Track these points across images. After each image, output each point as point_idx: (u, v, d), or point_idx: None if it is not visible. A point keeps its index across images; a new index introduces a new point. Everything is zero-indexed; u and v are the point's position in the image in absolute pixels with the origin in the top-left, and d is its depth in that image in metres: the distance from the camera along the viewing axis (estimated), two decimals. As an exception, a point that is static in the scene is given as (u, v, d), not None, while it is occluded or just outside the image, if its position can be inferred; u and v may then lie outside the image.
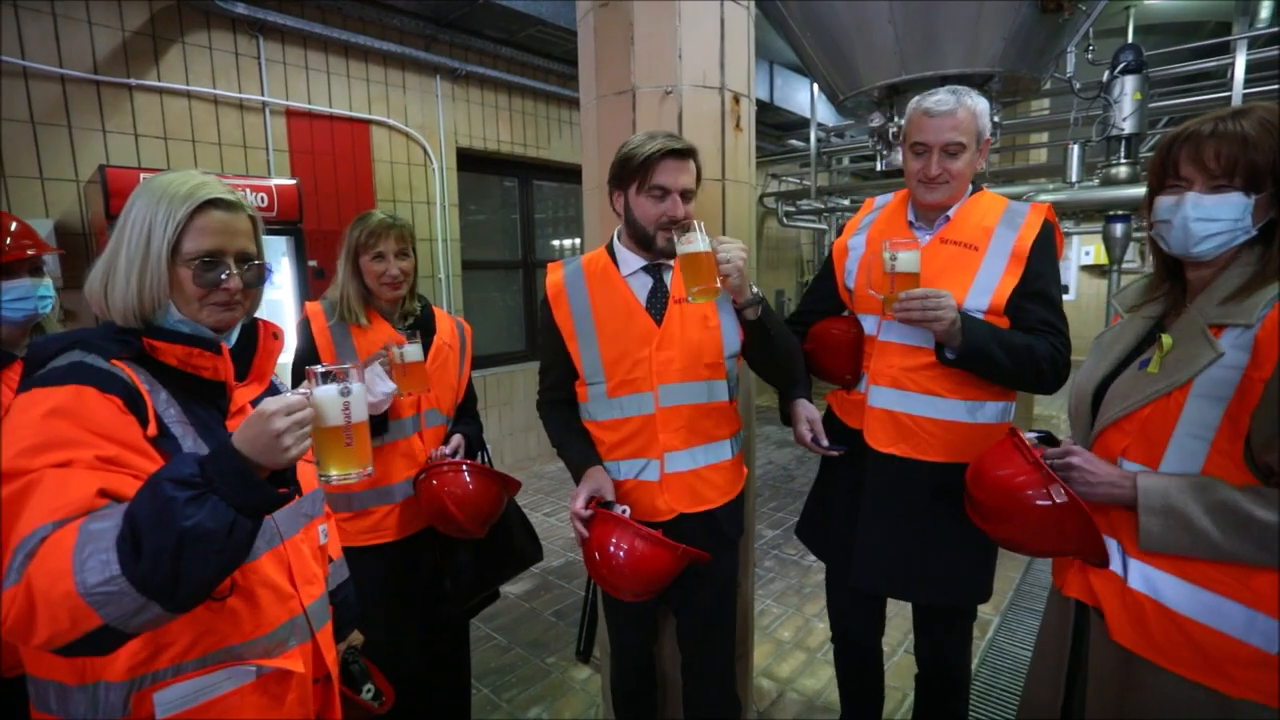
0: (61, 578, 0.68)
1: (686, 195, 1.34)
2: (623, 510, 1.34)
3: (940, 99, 1.41)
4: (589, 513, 1.33)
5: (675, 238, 1.25)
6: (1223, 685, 0.90)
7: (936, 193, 1.45)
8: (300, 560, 0.98)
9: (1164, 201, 1.00)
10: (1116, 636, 0.99)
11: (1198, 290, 1.02)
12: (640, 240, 1.39)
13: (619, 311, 1.41)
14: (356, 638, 1.27)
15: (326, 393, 0.81)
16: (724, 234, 1.74)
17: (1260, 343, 0.87)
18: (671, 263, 1.43)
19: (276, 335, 1.03)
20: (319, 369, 0.82)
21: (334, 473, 0.84)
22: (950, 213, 1.49)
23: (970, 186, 1.51)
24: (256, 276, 0.95)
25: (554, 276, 1.48)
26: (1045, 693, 1.14)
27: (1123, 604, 0.99)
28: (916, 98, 1.46)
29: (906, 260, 1.31)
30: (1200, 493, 0.90)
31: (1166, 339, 0.98)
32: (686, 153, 1.34)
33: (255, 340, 1.00)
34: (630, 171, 1.34)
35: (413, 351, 1.53)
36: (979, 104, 1.43)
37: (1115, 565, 1.01)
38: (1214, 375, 0.91)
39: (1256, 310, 0.90)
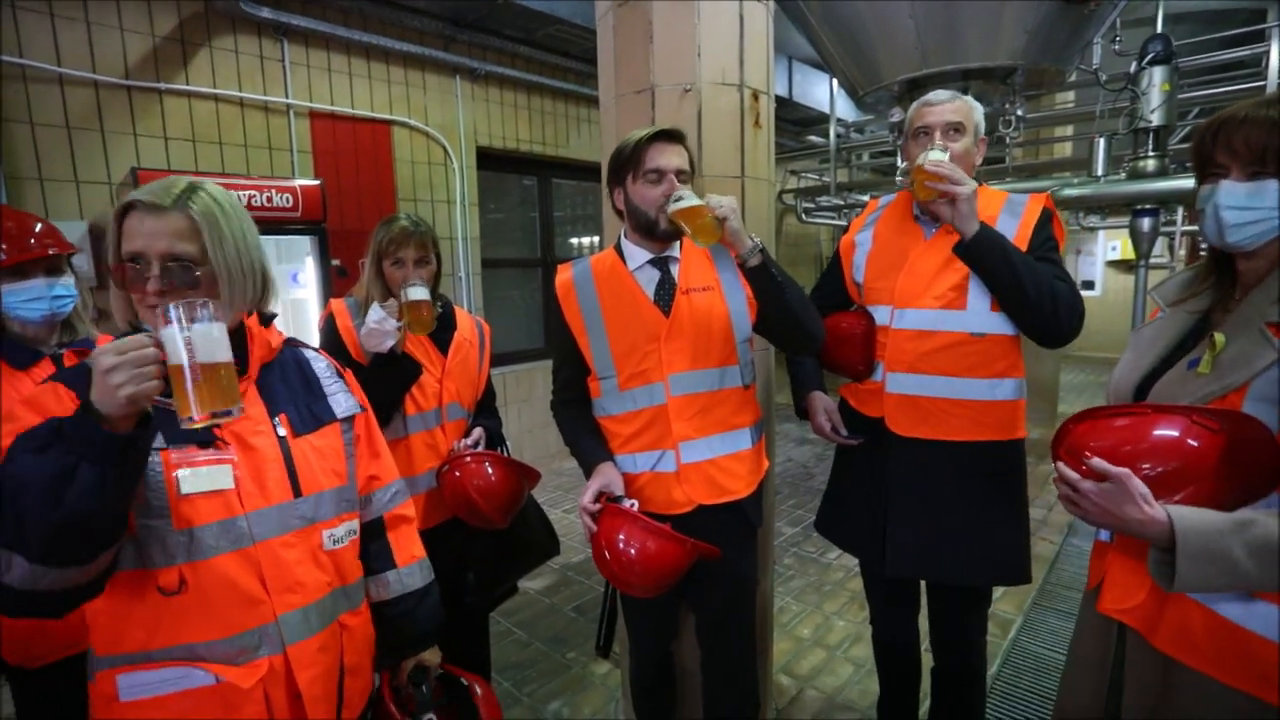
0: None
1: (681, 176, 1.37)
2: (631, 504, 1.34)
3: (938, 92, 1.54)
4: (597, 507, 1.33)
5: (667, 205, 1.30)
6: (1269, 694, 0.87)
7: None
8: (277, 565, 0.94)
9: (1202, 191, 0.97)
10: (1158, 642, 0.96)
11: (1250, 284, 0.98)
12: (644, 228, 1.40)
13: (626, 305, 1.42)
14: (433, 658, 1.18)
15: (166, 331, 0.77)
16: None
17: None
18: (678, 255, 1.46)
19: (267, 324, 1.05)
20: (171, 306, 0.77)
21: (184, 415, 0.78)
22: None
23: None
24: (182, 278, 0.89)
25: (563, 276, 1.50)
26: (1082, 705, 1.11)
27: (1166, 610, 0.95)
28: (916, 101, 1.57)
29: (937, 157, 1.39)
30: (1240, 530, 0.84)
31: (1219, 337, 0.93)
32: (675, 135, 1.38)
33: (244, 337, 1.00)
34: (624, 162, 1.38)
35: (416, 291, 1.59)
36: (975, 102, 1.52)
37: None
38: (1273, 376, 0.87)
39: None
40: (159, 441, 0.88)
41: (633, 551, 1.26)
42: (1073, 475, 0.94)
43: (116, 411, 0.74)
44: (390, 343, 1.55)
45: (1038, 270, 1.38)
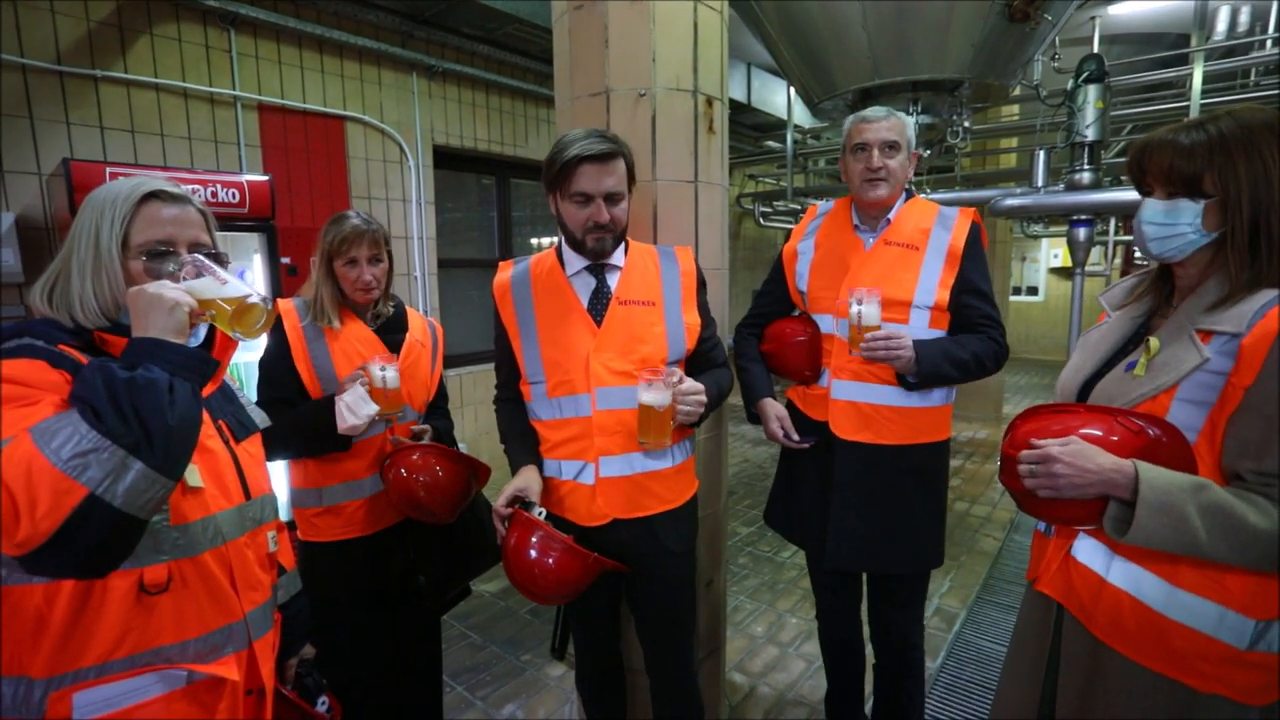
0: (33, 459, 0.69)
1: (612, 198, 1.33)
2: (540, 513, 1.32)
3: (874, 109, 1.59)
4: (508, 512, 1.31)
5: (640, 382, 1.30)
6: (1192, 680, 0.93)
7: (879, 189, 1.56)
8: (243, 564, 0.97)
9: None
10: (1095, 629, 1.02)
11: (1185, 291, 1.05)
12: (572, 244, 1.40)
13: (560, 311, 1.40)
14: (309, 651, 1.26)
15: (201, 282, 0.89)
16: (696, 235, 1.77)
17: (1245, 350, 0.88)
18: (619, 264, 1.44)
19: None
20: (199, 256, 0.91)
21: (239, 330, 0.90)
22: (891, 215, 1.61)
23: (904, 192, 1.65)
24: (215, 263, 0.94)
25: (501, 276, 1.48)
26: (1022, 688, 1.16)
27: (1100, 598, 1.01)
28: (850, 115, 1.63)
29: (870, 314, 1.47)
30: (1197, 492, 0.89)
31: (1154, 342, 1.00)
32: (608, 155, 1.29)
33: (212, 337, 0.99)
34: (553, 176, 1.33)
35: (394, 377, 1.56)
36: (906, 119, 1.60)
37: (1096, 562, 1.03)
38: (1199, 380, 0.93)
39: (1247, 319, 0.90)
40: None
41: (548, 561, 1.26)
42: (1035, 452, 0.98)
43: (174, 329, 0.81)
44: (359, 426, 1.50)
45: (965, 362, 1.53)
